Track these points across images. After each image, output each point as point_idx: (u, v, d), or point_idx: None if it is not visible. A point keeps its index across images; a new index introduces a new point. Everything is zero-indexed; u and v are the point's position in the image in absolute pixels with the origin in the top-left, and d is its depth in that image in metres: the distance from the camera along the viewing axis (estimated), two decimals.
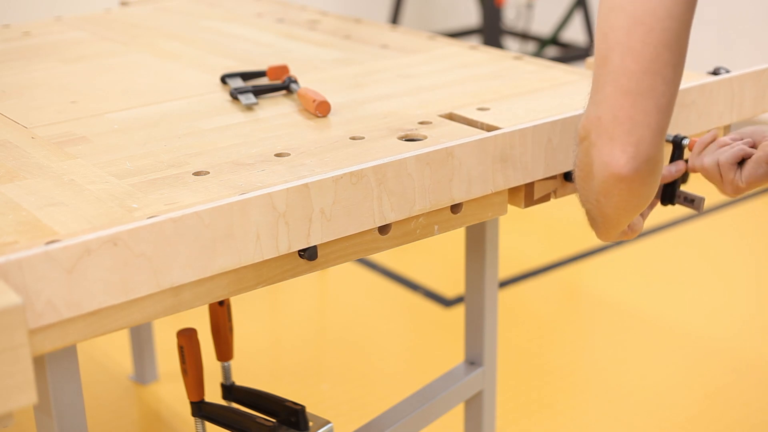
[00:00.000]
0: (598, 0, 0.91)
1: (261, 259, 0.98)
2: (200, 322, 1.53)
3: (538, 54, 3.74)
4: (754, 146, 1.12)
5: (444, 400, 1.53)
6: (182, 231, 0.93)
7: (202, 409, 1.39)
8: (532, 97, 1.32)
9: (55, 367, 1.02)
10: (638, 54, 0.87)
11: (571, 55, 3.67)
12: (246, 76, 1.42)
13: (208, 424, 1.40)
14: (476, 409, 1.62)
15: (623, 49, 0.87)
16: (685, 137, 1.23)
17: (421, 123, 1.23)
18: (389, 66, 1.52)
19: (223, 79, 1.41)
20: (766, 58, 3.46)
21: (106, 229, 0.88)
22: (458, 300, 2.51)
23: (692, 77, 1.34)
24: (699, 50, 2.94)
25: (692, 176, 1.23)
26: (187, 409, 1.41)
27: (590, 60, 1.51)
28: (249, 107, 1.31)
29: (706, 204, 1.24)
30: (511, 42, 4.08)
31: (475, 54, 1.58)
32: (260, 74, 1.43)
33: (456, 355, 2.03)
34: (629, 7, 0.87)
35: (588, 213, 1.04)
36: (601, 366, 2.23)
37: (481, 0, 3.68)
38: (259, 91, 1.35)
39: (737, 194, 1.11)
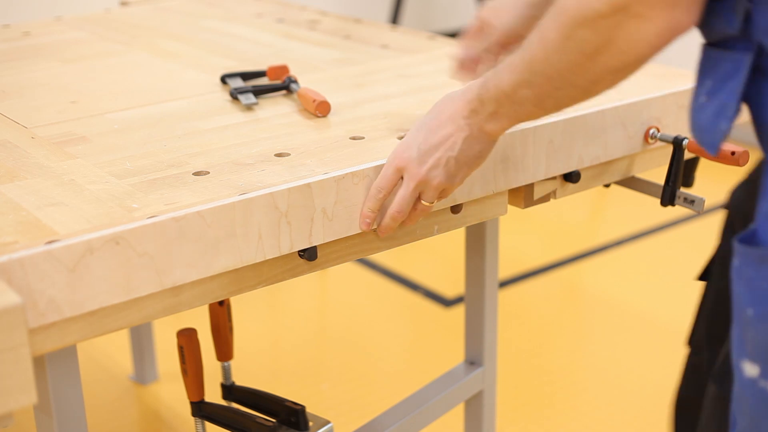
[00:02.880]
0: None
1: (263, 259, 0.98)
2: (200, 322, 1.52)
3: None
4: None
5: (444, 400, 1.53)
6: (185, 230, 0.93)
7: (202, 409, 1.39)
8: None
9: (55, 367, 1.02)
10: None
11: None
12: (246, 76, 1.42)
13: (208, 424, 1.40)
14: (476, 409, 1.62)
15: None
16: (685, 138, 1.24)
17: None
18: (389, 66, 1.52)
19: (223, 79, 1.41)
20: None
21: (109, 228, 0.89)
22: (458, 300, 2.51)
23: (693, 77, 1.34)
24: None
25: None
26: (187, 409, 1.41)
27: None
28: (249, 107, 1.31)
29: (706, 204, 1.24)
30: None
31: None
32: (260, 74, 1.43)
33: (456, 355, 2.03)
34: None
35: (534, 101, 0.93)
36: (601, 366, 2.23)
37: (481, 0, 3.68)
38: (259, 91, 1.35)
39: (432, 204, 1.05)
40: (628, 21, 0.80)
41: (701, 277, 1.15)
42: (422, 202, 1.04)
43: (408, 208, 1.04)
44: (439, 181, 1.01)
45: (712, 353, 1.16)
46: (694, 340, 1.21)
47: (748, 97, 0.84)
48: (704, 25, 0.85)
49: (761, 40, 0.81)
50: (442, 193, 1.04)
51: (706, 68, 0.86)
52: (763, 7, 0.80)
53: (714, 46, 0.86)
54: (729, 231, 1.16)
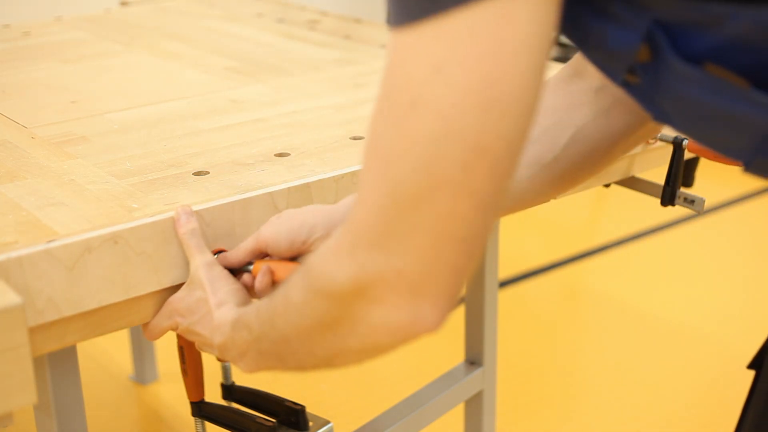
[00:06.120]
0: (395, 120, 0.62)
1: None
2: None
3: None
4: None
5: (444, 400, 1.53)
6: None
7: (202, 409, 1.39)
8: None
9: (55, 367, 1.02)
10: (477, 192, 0.62)
11: (571, 55, 3.65)
12: None
13: (208, 424, 1.40)
14: (476, 409, 1.62)
15: (456, 189, 0.61)
16: (685, 138, 1.24)
17: None
18: None
19: None
20: None
21: (107, 228, 0.89)
22: (458, 300, 2.50)
23: None
24: None
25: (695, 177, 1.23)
26: (187, 409, 1.41)
27: None
28: None
29: (706, 204, 1.24)
30: None
31: None
32: None
33: (456, 355, 2.03)
34: (470, 135, 0.60)
35: (279, 360, 0.82)
36: (602, 366, 2.23)
37: None
38: None
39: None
40: (368, 304, 0.67)
41: (751, 365, 1.00)
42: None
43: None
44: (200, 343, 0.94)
45: None
46: None
47: None
48: None
49: None
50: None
51: None
52: None
53: None
54: None
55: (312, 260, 0.71)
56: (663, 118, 0.70)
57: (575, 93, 0.96)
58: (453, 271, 0.66)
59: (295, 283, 0.74)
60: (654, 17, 0.62)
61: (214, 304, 0.89)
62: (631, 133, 0.96)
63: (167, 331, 0.97)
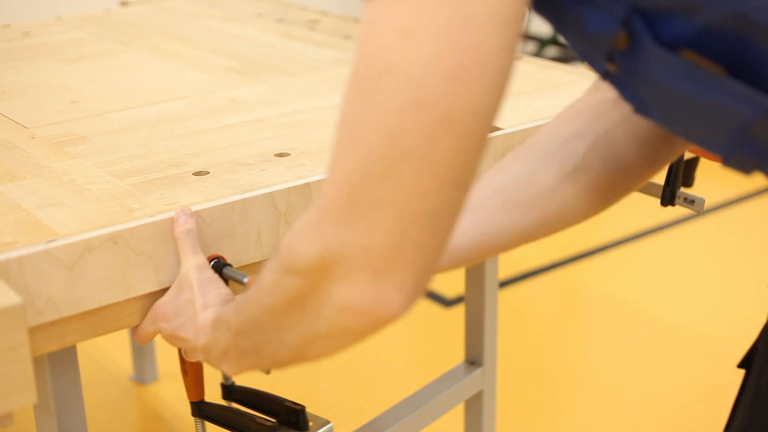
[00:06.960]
0: (364, 90, 0.60)
1: (262, 258, 0.99)
2: None
3: (538, 54, 3.74)
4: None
5: (444, 400, 1.53)
6: None
7: (202, 409, 1.39)
8: (531, 97, 1.32)
9: (55, 367, 1.02)
10: (444, 166, 0.60)
11: (571, 55, 3.67)
12: None
13: (208, 424, 1.40)
14: (476, 409, 1.62)
15: (422, 162, 0.60)
16: None
17: None
18: None
19: None
20: None
21: (107, 228, 0.89)
22: (458, 300, 2.51)
23: None
24: None
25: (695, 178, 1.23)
26: (187, 409, 1.41)
27: None
28: None
29: (706, 204, 1.24)
30: None
31: None
32: None
33: (456, 355, 2.03)
34: (438, 104, 0.58)
35: (252, 351, 0.80)
36: (602, 366, 2.23)
37: None
38: None
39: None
40: (334, 283, 0.65)
41: (741, 365, 0.99)
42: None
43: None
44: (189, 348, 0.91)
45: None
46: None
47: None
48: None
49: None
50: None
51: None
52: None
53: None
54: None
55: (282, 241, 0.71)
56: (643, 110, 0.69)
57: (598, 103, 0.93)
58: (419, 251, 0.63)
59: (267, 267, 0.73)
60: (632, 3, 0.62)
61: (200, 306, 0.89)
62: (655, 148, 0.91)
63: (154, 336, 0.96)
